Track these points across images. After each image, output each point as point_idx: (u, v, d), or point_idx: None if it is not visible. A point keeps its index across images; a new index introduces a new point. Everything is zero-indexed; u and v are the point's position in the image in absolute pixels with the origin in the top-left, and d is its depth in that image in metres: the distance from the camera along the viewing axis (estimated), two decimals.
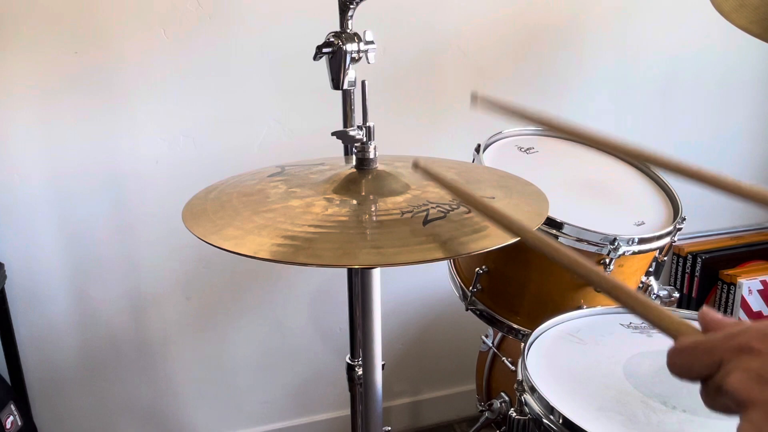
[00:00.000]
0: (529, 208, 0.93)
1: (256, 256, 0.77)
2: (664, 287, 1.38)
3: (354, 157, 0.97)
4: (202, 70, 1.51)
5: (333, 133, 0.98)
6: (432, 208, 0.86)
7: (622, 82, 1.83)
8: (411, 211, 0.85)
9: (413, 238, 0.80)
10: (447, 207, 0.87)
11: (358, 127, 0.95)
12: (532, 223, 0.88)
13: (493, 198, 0.93)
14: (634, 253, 1.22)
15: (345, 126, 1.08)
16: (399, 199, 0.89)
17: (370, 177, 0.94)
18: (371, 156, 0.95)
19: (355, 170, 0.96)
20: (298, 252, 0.77)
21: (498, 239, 0.80)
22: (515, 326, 1.34)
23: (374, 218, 0.86)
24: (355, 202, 0.89)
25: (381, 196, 0.91)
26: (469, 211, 0.86)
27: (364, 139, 0.95)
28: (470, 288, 1.37)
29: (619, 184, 1.41)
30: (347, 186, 0.92)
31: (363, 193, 0.91)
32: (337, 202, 0.89)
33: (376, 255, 0.77)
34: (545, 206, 0.94)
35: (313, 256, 0.77)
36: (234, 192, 0.96)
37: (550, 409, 0.90)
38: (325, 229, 0.82)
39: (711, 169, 0.57)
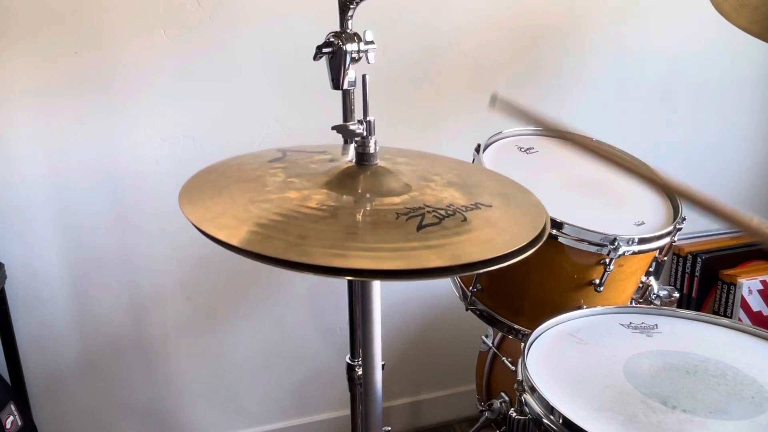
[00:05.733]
0: (526, 219, 0.92)
1: (246, 248, 0.75)
2: (664, 287, 1.38)
3: (354, 151, 0.95)
4: (202, 70, 1.51)
5: (333, 127, 0.97)
6: (428, 212, 0.84)
7: (622, 82, 1.83)
8: (406, 214, 0.84)
9: (406, 244, 0.78)
10: (443, 213, 0.85)
11: (359, 121, 0.94)
12: (529, 233, 0.86)
13: (491, 206, 0.92)
14: (634, 253, 1.22)
15: None
16: (396, 200, 0.87)
17: (368, 173, 0.92)
18: (371, 151, 0.93)
19: (354, 164, 0.94)
20: (289, 249, 0.75)
21: (488, 251, 0.78)
22: (515, 326, 1.34)
23: (368, 219, 0.84)
24: (351, 199, 0.87)
25: (379, 195, 0.89)
26: (465, 219, 0.85)
27: (365, 134, 0.94)
28: (470, 288, 1.37)
29: (619, 184, 1.41)
30: (345, 182, 0.91)
31: (360, 191, 0.89)
32: (334, 197, 0.87)
33: (367, 259, 0.75)
34: (543, 217, 0.92)
35: (303, 254, 0.74)
36: (233, 176, 0.94)
37: (550, 409, 0.90)
38: (322, 226, 0.80)
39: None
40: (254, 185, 0.91)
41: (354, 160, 0.95)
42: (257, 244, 0.76)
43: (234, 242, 0.76)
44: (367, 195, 0.89)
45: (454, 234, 0.81)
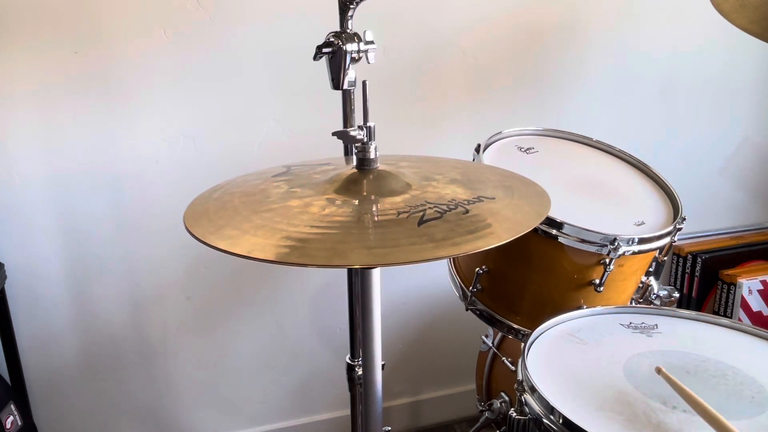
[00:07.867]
0: (530, 208, 0.93)
1: (249, 255, 0.77)
2: (664, 287, 1.38)
3: (354, 157, 0.97)
4: (202, 69, 1.51)
5: (334, 133, 0.98)
6: (429, 208, 0.86)
7: (622, 82, 1.83)
8: (407, 212, 0.85)
9: (405, 239, 0.80)
10: (444, 207, 0.87)
11: (359, 127, 0.95)
12: (533, 221, 0.88)
13: (493, 198, 0.93)
14: (634, 253, 1.22)
15: (345, 126, 1.08)
16: (397, 199, 0.89)
17: (371, 177, 0.94)
18: (372, 156, 0.96)
19: (356, 170, 0.96)
20: (292, 252, 0.77)
21: (491, 240, 0.80)
22: (515, 326, 1.34)
23: (375, 218, 0.86)
24: (356, 202, 0.89)
25: (380, 196, 0.91)
26: (467, 212, 0.86)
27: (365, 140, 0.95)
28: (470, 288, 1.37)
29: (619, 184, 1.41)
30: (347, 186, 0.93)
31: (365, 193, 0.91)
32: (338, 203, 0.89)
33: (367, 255, 0.77)
34: (547, 205, 0.94)
35: (305, 256, 0.77)
36: (237, 191, 0.96)
37: (550, 409, 0.90)
38: (321, 230, 0.82)
39: None
40: (258, 197, 0.93)
41: (355, 166, 0.96)
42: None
43: (237, 251, 0.78)
44: (372, 197, 0.91)
45: (455, 226, 0.83)
